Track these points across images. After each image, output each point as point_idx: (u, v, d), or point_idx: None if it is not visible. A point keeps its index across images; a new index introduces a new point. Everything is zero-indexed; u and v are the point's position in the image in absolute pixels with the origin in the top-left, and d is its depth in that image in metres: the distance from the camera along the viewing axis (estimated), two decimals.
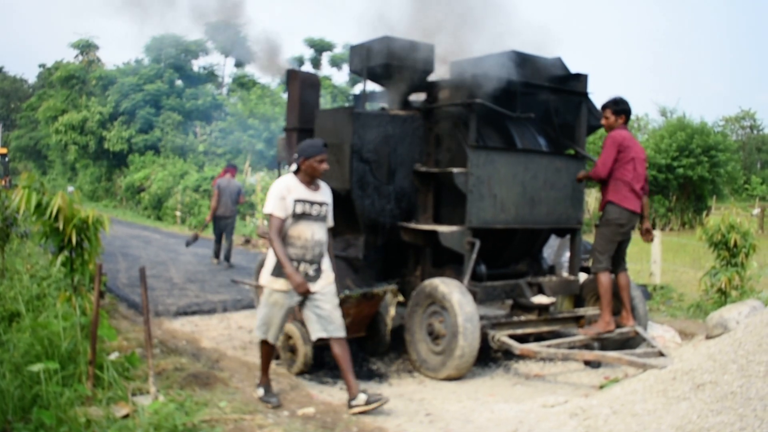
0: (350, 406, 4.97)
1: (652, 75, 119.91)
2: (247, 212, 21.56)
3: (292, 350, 6.24)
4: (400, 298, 7.20)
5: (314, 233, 5.05)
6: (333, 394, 5.67)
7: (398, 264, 7.36)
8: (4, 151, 34.43)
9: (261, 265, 8.84)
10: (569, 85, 7.21)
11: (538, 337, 6.92)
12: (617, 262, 6.62)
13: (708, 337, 5.73)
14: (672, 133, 29.61)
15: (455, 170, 6.51)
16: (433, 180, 6.96)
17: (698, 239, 9.09)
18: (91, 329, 4.66)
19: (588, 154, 7.37)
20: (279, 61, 8.60)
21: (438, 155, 7.04)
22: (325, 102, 27.11)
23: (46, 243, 5.23)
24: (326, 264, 5.18)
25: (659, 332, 7.36)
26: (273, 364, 6.44)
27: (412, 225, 6.84)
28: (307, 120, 7.88)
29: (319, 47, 34.73)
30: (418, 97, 7.33)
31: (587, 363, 6.55)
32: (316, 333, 5.10)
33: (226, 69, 38.40)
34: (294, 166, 5.11)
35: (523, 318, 6.63)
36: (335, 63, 34.86)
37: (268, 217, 5.00)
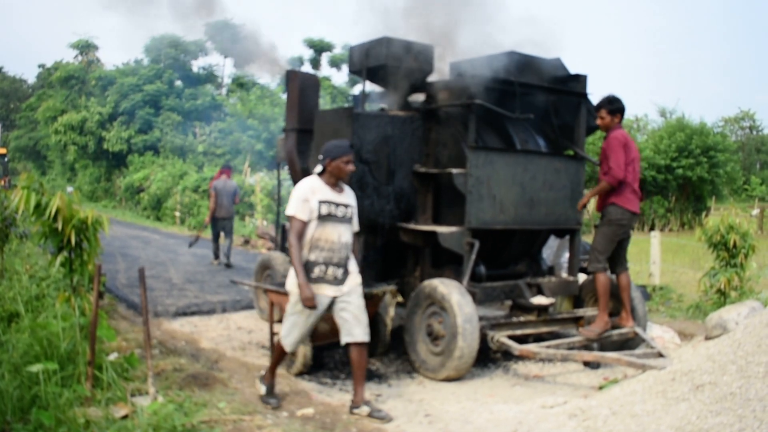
0: (351, 411, 4.98)
1: (652, 75, 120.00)
2: (247, 213, 21.56)
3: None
4: (400, 298, 7.20)
5: (341, 235, 4.96)
6: (332, 394, 5.67)
7: (397, 265, 7.36)
8: (3, 151, 34.41)
9: (261, 266, 8.85)
10: (568, 86, 7.21)
11: (538, 338, 6.92)
12: (619, 262, 6.61)
13: (707, 338, 5.73)
14: (671, 134, 29.64)
15: (454, 171, 6.51)
16: (432, 181, 6.96)
17: (697, 240, 9.09)
18: (90, 330, 4.66)
19: (587, 155, 7.37)
20: (278, 61, 8.61)
21: (437, 156, 7.04)
22: (325, 103, 27.10)
23: (45, 243, 5.22)
24: (352, 266, 5.11)
25: (658, 333, 7.36)
26: None
27: (412, 226, 6.84)
28: (306, 120, 7.88)
29: (319, 48, 34.73)
30: (417, 98, 7.33)
31: (586, 364, 6.54)
32: (343, 338, 5.01)
33: (226, 69, 38.41)
34: (319, 168, 5.01)
35: (522, 319, 6.62)
36: (335, 63, 34.86)
37: (290, 219, 4.92)
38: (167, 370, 5.39)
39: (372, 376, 6.34)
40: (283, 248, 9.26)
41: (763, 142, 57.70)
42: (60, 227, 4.96)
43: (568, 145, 7.39)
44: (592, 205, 8.00)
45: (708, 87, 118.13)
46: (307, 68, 33.87)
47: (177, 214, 24.20)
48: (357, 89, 27.71)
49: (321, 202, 4.89)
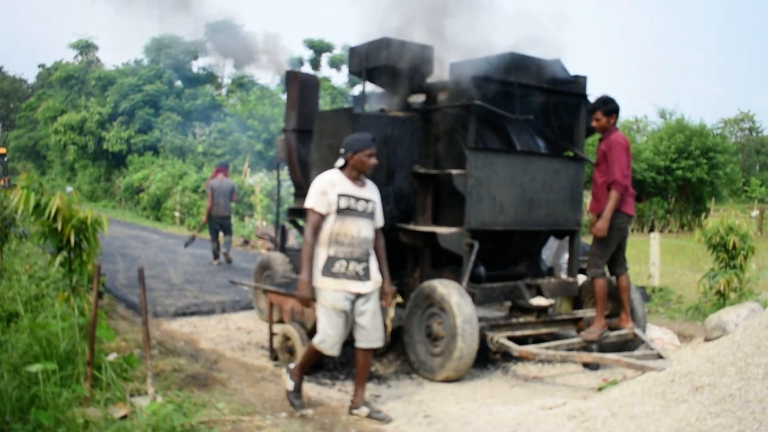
0: (351, 412, 4.99)
1: (652, 77, 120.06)
2: (246, 213, 21.56)
3: (291, 351, 6.23)
4: (399, 299, 7.19)
5: (361, 230, 4.86)
6: (331, 395, 5.67)
7: (397, 265, 7.35)
8: (3, 151, 34.41)
9: (260, 266, 8.86)
10: (568, 87, 7.21)
11: (537, 339, 6.92)
12: (618, 264, 6.59)
13: (707, 340, 5.73)
14: (671, 135, 29.67)
15: (454, 172, 6.51)
16: (432, 181, 6.96)
17: (697, 241, 9.09)
18: (89, 330, 4.66)
19: (587, 156, 7.37)
20: (279, 60, 8.62)
21: (437, 157, 7.04)
22: (325, 103, 27.10)
23: (44, 243, 5.22)
24: (374, 264, 5.01)
25: (658, 334, 7.36)
26: (272, 365, 6.45)
27: (411, 226, 6.84)
28: (306, 121, 7.89)
29: (318, 48, 34.73)
30: (417, 99, 7.33)
31: (586, 365, 6.55)
32: (359, 342, 4.96)
33: (226, 70, 38.40)
34: (340, 161, 4.92)
35: (521, 320, 6.63)
36: (334, 64, 34.86)
37: (307, 212, 4.84)
38: (166, 371, 5.39)
39: (371, 377, 6.34)
40: (283, 249, 9.27)
41: (762, 144, 57.76)
42: (59, 227, 4.96)
43: (568, 146, 7.39)
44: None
45: (708, 88, 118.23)
46: (306, 69, 33.87)
47: (176, 214, 24.19)
48: (357, 90, 27.71)
49: (340, 196, 4.80)
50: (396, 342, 6.83)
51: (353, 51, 7.35)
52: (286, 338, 6.27)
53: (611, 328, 6.55)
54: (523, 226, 6.92)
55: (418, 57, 7.03)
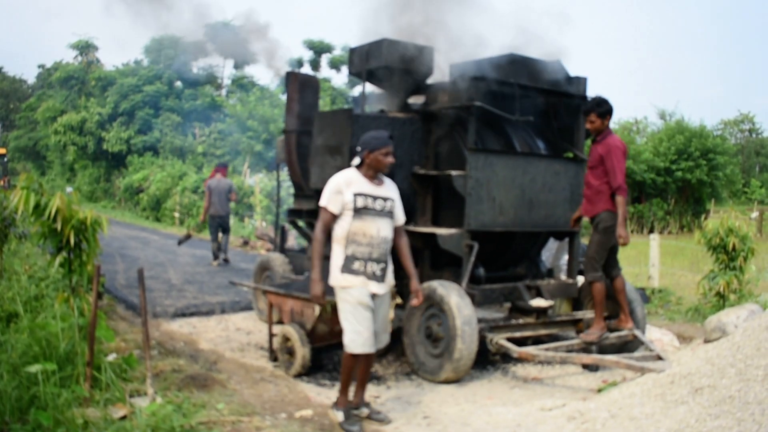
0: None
1: (652, 78, 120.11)
2: (246, 214, 21.56)
3: (290, 352, 6.23)
4: (399, 300, 7.19)
5: (380, 229, 4.73)
6: (331, 396, 5.66)
7: (396, 266, 7.35)
8: (3, 151, 34.43)
9: (260, 267, 8.86)
10: (568, 88, 7.20)
11: (537, 340, 6.91)
12: (612, 265, 6.57)
13: (706, 341, 5.73)
14: (671, 137, 29.67)
15: (454, 173, 6.51)
16: (431, 182, 6.96)
17: (697, 243, 9.09)
18: (89, 330, 4.66)
19: (587, 157, 7.36)
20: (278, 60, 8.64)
21: (437, 158, 7.04)
22: (324, 104, 27.11)
23: (44, 244, 5.21)
24: (391, 266, 4.89)
25: (657, 336, 7.36)
26: (271, 366, 6.44)
27: (411, 227, 6.84)
28: (306, 122, 7.89)
29: (318, 49, 34.71)
30: (417, 100, 7.33)
31: (585, 366, 6.54)
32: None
33: (226, 70, 38.39)
34: (357, 160, 4.81)
35: (521, 321, 6.63)
36: (334, 65, 34.84)
37: (320, 210, 4.75)
38: (166, 371, 5.38)
39: (371, 377, 6.34)
40: (282, 249, 9.27)
41: (762, 145, 57.76)
42: (59, 228, 4.95)
43: (568, 147, 7.39)
44: None
45: (707, 90, 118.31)
46: (306, 70, 33.87)
47: (176, 214, 24.19)
48: (357, 91, 27.74)
49: (356, 195, 4.68)
50: (395, 343, 6.83)
51: (353, 52, 7.35)
52: (286, 339, 6.27)
53: (611, 330, 6.54)
54: (523, 227, 6.92)
55: (417, 58, 7.03)
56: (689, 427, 4.20)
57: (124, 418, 4.23)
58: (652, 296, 9.80)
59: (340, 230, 4.74)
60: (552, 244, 8.66)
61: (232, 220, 17.56)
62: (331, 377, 6.27)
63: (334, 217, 4.73)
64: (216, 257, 13.49)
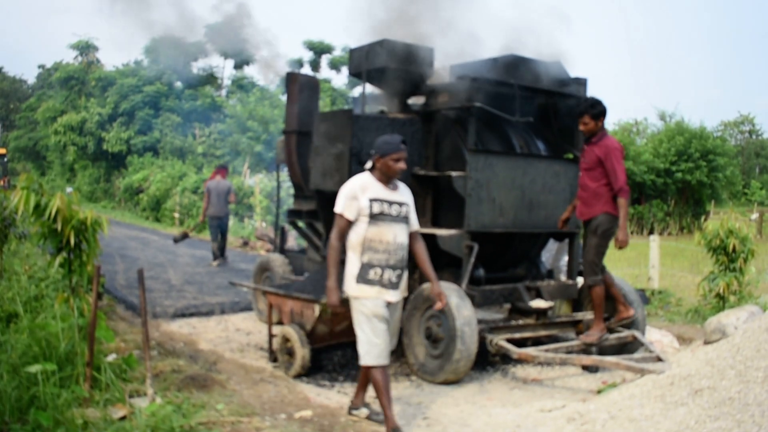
0: (350, 412, 4.99)
1: (652, 79, 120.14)
2: (246, 214, 21.56)
3: (290, 353, 6.23)
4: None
5: (396, 236, 4.61)
6: (330, 397, 5.66)
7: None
8: (3, 151, 34.42)
9: (260, 268, 8.85)
10: (568, 89, 7.20)
11: (536, 342, 6.91)
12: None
13: (706, 343, 5.73)
14: (671, 138, 29.69)
15: (454, 174, 6.51)
16: (431, 183, 6.96)
17: (697, 244, 9.09)
18: (88, 331, 4.66)
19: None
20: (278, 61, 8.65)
21: (437, 159, 7.04)
22: (324, 105, 27.11)
23: (44, 244, 5.22)
24: (406, 272, 4.77)
25: (657, 337, 7.35)
26: (271, 366, 6.44)
27: None
28: (306, 123, 7.89)
29: (318, 50, 34.73)
30: (417, 101, 7.33)
31: (585, 367, 6.54)
32: None
33: (226, 71, 38.41)
34: (369, 164, 4.72)
35: (521, 322, 6.62)
36: (334, 66, 34.86)
37: (336, 217, 4.62)
38: (166, 372, 5.38)
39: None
40: (282, 250, 9.27)
41: (762, 147, 57.82)
42: (59, 228, 4.95)
43: (568, 148, 7.39)
44: None
45: (707, 91, 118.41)
46: (306, 70, 33.88)
47: (176, 215, 24.19)
48: (357, 91, 27.74)
49: (372, 201, 4.56)
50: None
51: (353, 52, 7.35)
52: (286, 340, 6.27)
53: (611, 330, 6.55)
54: (523, 228, 6.92)
55: (418, 58, 7.03)
56: (689, 428, 4.20)
57: (123, 418, 4.23)
58: (652, 297, 9.80)
59: (355, 237, 4.61)
60: (552, 245, 8.65)
61: (232, 221, 17.57)
62: (331, 378, 6.27)
63: (350, 224, 4.61)
64: (216, 257, 13.52)
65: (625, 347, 6.64)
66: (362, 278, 4.56)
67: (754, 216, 27.98)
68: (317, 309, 6.07)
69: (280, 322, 6.73)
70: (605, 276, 6.49)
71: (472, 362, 6.01)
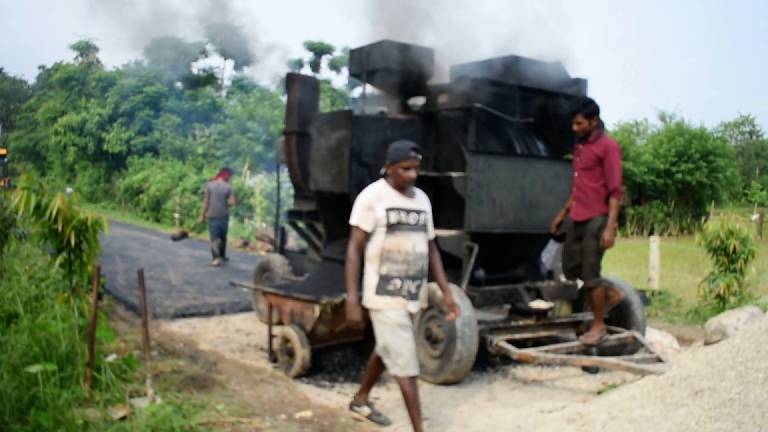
0: (351, 408, 4.98)
1: (652, 80, 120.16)
2: (246, 215, 21.56)
3: (290, 353, 6.23)
4: None
5: (415, 245, 4.46)
6: (330, 397, 5.66)
7: None
8: (3, 152, 34.41)
9: (260, 268, 8.85)
10: (569, 90, 7.20)
11: (536, 342, 6.91)
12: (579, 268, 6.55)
13: (706, 344, 5.73)
14: (671, 138, 29.69)
15: (454, 174, 6.51)
16: (431, 184, 6.96)
17: (697, 245, 9.09)
18: (89, 331, 4.66)
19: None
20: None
21: (437, 159, 7.03)
22: (324, 105, 27.11)
23: (44, 244, 5.22)
24: (425, 283, 4.62)
25: (657, 338, 7.35)
26: (271, 367, 6.44)
27: None
28: (306, 123, 7.89)
29: (319, 50, 34.74)
30: (417, 101, 7.33)
31: (585, 368, 6.54)
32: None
33: (226, 71, 38.44)
34: (382, 170, 4.62)
35: (521, 323, 6.62)
36: (334, 66, 34.87)
37: (352, 229, 4.47)
38: (166, 372, 5.38)
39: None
40: (282, 250, 9.27)
41: (762, 147, 57.82)
42: (60, 228, 4.96)
43: (568, 149, 7.39)
44: None
45: (708, 92, 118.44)
46: (306, 71, 33.89)
47: (176, 215, 24.19)
48: (357, 92, 27.74)
49: (389, 210, 4.40)
50: None
51: (353, 53, 7.35)
52: (286, 340, 6.27)
53: (611, 331, 6.55)
54: (523, 229, 6.92)
55: (418, 59, 7.03)
56: (689, 429, 4.20)
57: (123, 418, 4.23)
58: (652, 298, 9.79)
59: (372, 248, 4.47)
60: (552, 246, 8.64)
61: (232, 221, 17.58)
62: (331, 378, 6.27)
63: (367, 236, 4.45)
64: (215, 256, 13.56)
65: (625, 348, 6.64)
66: (382, 290, 4.42)
67: (755, 217, 27.97)
68: (317, 309, 6.07)
69: (280, 323, 6.73)
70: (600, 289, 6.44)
71: (472, 363, 6.01)
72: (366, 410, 4.97)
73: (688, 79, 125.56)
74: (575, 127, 6.30)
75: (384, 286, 4.41)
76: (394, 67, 6.92)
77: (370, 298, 4.46)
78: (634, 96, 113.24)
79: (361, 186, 6.61)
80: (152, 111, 32.00)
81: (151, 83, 32.42)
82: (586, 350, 6.39)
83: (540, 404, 5.36)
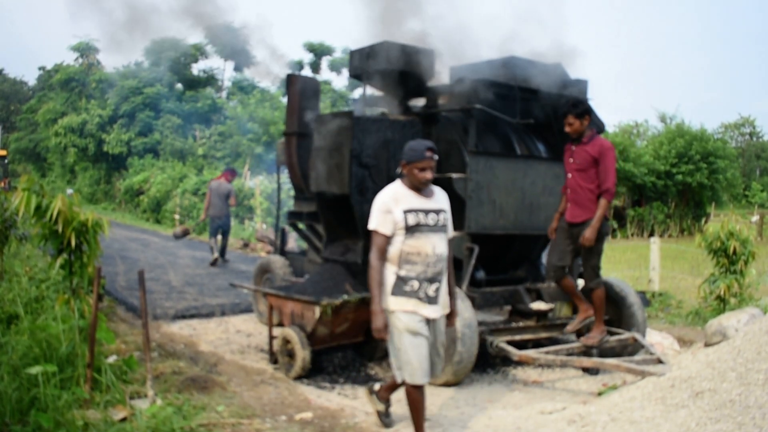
0: (370, 393, 4.97)
1: (652, 81, 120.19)
2: (246, 216, 21.56)
3: (290, 355, 6.23)
4: None
5: (435, 246, 4.29)
6: (331, 399, 5.66)
7: None
8: (3, 153, 34.38)
9: (260, 269, 8.85)
10: (569, 91, 7.20)
11: (537, 344, 6.91)
12: (575, 269, 6.53)
13: (707, 345, 5.73)
14: (671, 140, 29.69)
15: (454, 176, 6.51)
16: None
17: (697, 246, 9.09)
18: (89, 332, 4.66)
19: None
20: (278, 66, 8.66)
21: (437, 160, 7.02)
22: (325, 106, 27.11)
23: (45, 245, 5.22)
24: (445, 286, 4.45)
25: (658, 339, 7.35)
26: (271, 368, 6.44)
27: None
28: (306, 124, 7.89)
29: (319, 51, 34.74)
30: (417, 102, 7.33)
31: (585, 370, 6.54)
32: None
33: (226, 72, 38.45)
34: (398, 170, 4.45)
35: (521, 324, 6.62)
36: (335, 67, 34.86)
37: (372, 234, 4.30)
38: (166, 373, 5.39)
39: (371, 380, 6.34)
40: (283, 252, 9.27)
41: (763, 149, 57.81)
42: (60, 229, 4.96)
43: None
44: None
45: (708, 93, 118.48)
46: (307, 72, 33.90)
47: (176, 216, 24.19)
48: (357, 93, 27.75)
49: (407, 212, 4.24)
50: None
51: (354, 54, 7.36)
52: (286, 341, 6.27)
53: (611, 333, 6.54)
54: (523, 230, 6.92)
55: (418, 60, 7.04)
56: (689, 430, 4.20)
57: (124, 420, 4.23)
58: (653, 300, 9.79)
59: (392, 251, 4.32)
60: None
61: (232, 222, 17.59)
62: (331, 380, 6.27)
63: (388, 239, 4.28)
64: (213, 252, 13.79)
65: (626, 349, 6.63)
66: (398, 290, 4.27)
67: (755, 218, 27.98)
68: (317, 311, 6.08)
69: (280, 324, 6.73)
70: (570, 277, 6.41)
71: (473, 364, 6.01)
72: (381, 406, 4.89)
73: (689, 80, 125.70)
74: (567, 129, 6.25)
75: (401, 286, 4.27)
76: (394, 68, 6.93)
77: (386, 299, 4.31)
78: (634, 97, 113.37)
79: (361, 187, 6.64)
80: (152, 112, 32.00)
81: (151, 84, 32.42)
82: (586, 351, 6.39)
83: (540, 405, 5.36)
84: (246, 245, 17.53)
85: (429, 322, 4.33)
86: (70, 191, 30.23)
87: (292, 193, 9.03)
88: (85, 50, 37.77)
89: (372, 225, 4.29)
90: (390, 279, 4.31)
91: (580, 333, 6.78)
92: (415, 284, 4.26)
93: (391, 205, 4.27)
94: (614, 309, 6.79)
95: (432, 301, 4.31)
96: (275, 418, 4.79)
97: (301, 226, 8.60)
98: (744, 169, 50.64)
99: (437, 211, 4.36)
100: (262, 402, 5.20)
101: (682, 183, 28.78)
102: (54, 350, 4.79)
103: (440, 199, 4.46)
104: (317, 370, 6.38)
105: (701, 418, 4.29)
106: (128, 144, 32.23)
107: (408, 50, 6.98)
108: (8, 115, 59.36)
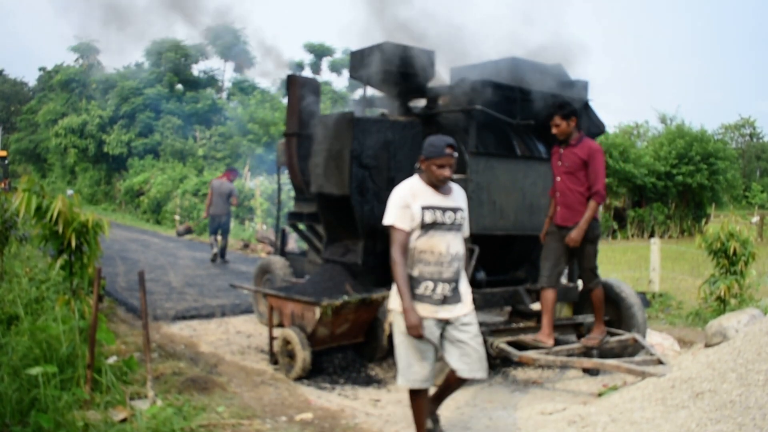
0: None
1: (653, 82, 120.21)
2: (246, 217, 21.56)
3: (291, 355, 6.23)
4: None
5: (450, 246, 4.14)
6: (331, 399, 5.66)
7: None
8: (3, 153, 34.35)
9: (260, 270, 8.85)
10: (569, 92, 7.20)
11: (537, 344, 6.90)
12: (562, 274, 6.52)
13: (707, 346, 5.73)
14: (671, 141, 29.68)
15: (455, 176, 6.50)
16: None
17: (697, 247, 9.08)
18: (89, 333, 4.66)
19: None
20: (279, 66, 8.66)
21: None
22: (325, 107, 27.12)
23: (45, 246, 5.23)
24: (464, 285, 4.31)
25: (658, 340, 7.34)
26: (271, 369, 6.44)
27: None
28: (306, 125, 7.89)
29: (319, 52, 34.77)
30: (417, 103, 7.33)
31: (586, 370, 6.53)
32: (460, 372, 4.19)
33: (226, 73, 38.46)
34: (416, 165, 4.30)
35: (521, 325, 6.61)
36: (335, 68, 34.90)
37: (390, 229, 4.14)
38: (166, 374, 5.39)
39: (371, 381, 6.34)
40: (283, 252, 9.27)
41: (763, 150, 57.80)
42: (60, 230, 4.96)
43: None
44: None
45: (708, 94, 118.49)
46: (307, 73, 33.91)
47: (177, 217, 24.20)
48: (357, 94, 27.75)
49: (424, 209, 4.10)
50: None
51: (354, 55, 7.36)
52: (286, 342, 6.27)
53: (611, 334, 6.54)
54: (524, 231, 6.91)
55: (419, 61, 7.04)
56: (690, 431, 4.20)
57: (124, 420, 4.24)
58: (653, 300, 9.79)
59: None
60: None
61: (233, 223, 17.60)
62: (332, 380, 6.27)
63: (408, 235, 4.09)
64: (213, 248, 13.95)
65: (626, 350, 6.63)
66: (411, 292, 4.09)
67: (755, 219, 27.96)
68: (318, 311, 6.08)
69: (280, 325, 6.73)
70: (550, 291, 6.31)
71: None
72: (428, 423, 4.58)
73: (689, 81, 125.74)
74: (554, 130, 6.21)
75: (413, 288, 4.10)
76: (394, 69, 6.93)
77: (395, 300, 4.15)
78: (634, 98, 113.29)
79: (361, 188, 6.64)
80: (153, 113, 32.01)
81: (152, 85, 32.44)
82: (586, 352, 6.39)
83: (540, 406, 5.36)
84: (246, 246, 17.53)
85: (447, 322, 4.17)
86: (70, 192, 30.23)
87: (293, 193, 9.03)
88: (85, 51, 37.78)
89: (389, 220, 4.14)
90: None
91: (580, 334, 6.79)
92: (430, 285, 4.11)
93: (409, 200, 4.13)
94: (614, 310, 6.78)
95: (450, 301, 4.15)
96: (275, 419, 4.79)
97: (301, 226, 8.60)
98: (744, 170, 50.63)
99: (454, 210, 4.20)
100: (263, 403, 5.21)
101: (682, 184, 28.77)
102: (54, 351, 4.79)
103: (458, 197, 4.31)
104: (317, 371, 6.37)
105: (701, 419, 4.29)
106: (128, 145, 32.25)
107: (408, 51, 6.98)
108: (8, 115, 59.36)
